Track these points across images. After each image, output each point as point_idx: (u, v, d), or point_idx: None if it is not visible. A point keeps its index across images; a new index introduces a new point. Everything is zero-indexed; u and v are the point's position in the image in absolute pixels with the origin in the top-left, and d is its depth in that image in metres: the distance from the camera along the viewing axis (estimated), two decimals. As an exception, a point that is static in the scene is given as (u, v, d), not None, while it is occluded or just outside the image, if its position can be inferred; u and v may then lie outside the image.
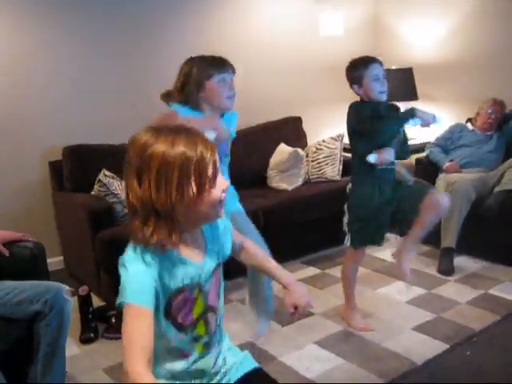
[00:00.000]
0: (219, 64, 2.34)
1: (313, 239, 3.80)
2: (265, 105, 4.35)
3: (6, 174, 3.51)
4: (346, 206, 2.70)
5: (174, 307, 1.26)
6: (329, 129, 4.66)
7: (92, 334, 2.80)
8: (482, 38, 4.26)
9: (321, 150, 4.11)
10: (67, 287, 2.21)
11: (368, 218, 2.62)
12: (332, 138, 4.16)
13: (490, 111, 3.89)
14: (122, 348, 1.16)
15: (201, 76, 2.31)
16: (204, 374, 1.36)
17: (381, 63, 2.58)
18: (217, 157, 1.24)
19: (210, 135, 2.24)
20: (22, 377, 2.11)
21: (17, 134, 3.52)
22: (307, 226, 3.75)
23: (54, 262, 3.55)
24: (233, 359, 1.44)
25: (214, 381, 1.39)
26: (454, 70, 4.46)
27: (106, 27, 3.72)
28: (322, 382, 2.40)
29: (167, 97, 2.41)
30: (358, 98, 2.65)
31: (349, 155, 3.68)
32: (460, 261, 3.57)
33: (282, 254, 2.97)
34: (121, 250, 1.27)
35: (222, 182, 1.26)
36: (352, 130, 2.64)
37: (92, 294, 2.95)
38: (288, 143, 4.18)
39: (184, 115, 2.26)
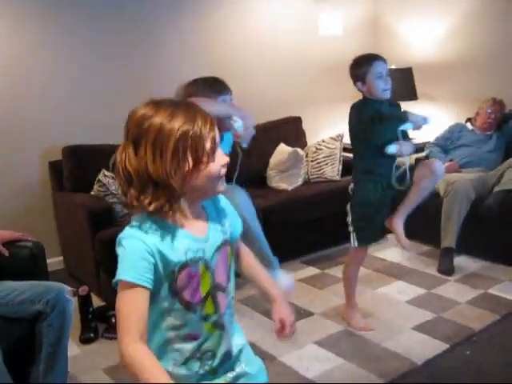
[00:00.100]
0: (220, 87, 2.53)
1: (312, 239, 3.80)
2: (264, 105, 4.34)
3: (6, 174, 3.51)
4: (348, 206, 2.69)
5: (180, 283, 1.23)
6: (328, 129, 4.66)
7: (92, 334, 2.80)
8: (482, 38, 4.26)
9: (320, 149, 4.12)
10: (69, 287, 2.21)
11: (371, 216, 2.62)
12: (332, 137, 4.16)
13: (489, 111, 3.89)
14: (117, 326, 1.16)
15: None
16: (214, 355, 1.31)
17: (385, 61, 2.58)
18: (216, 132, 1.23)
19: (238, 123, 2.34)
20: (24, 377, 2.11)
21: (17, 134, 3.52)
22: (307, 226, 3.75)
23: (54, 262, 3.56)
24: (248, 367, 1.39)
25: (228, 379, 1.34)
26: (453, 70, 4.46)
27: (106, 27, 3.72)
28: (322, 381, 2.40)
29: None
30: (358, 98, 2.65)
31: (349, 155, 3.70)
32: (460, 260, 3.57)
33: (281, 254, 3.02)
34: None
35: (222, 157, 1.25)
36: (353, 131, 2.64)
37: (92, 294, 2.95)
38: (288, 143, 4.18)
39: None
